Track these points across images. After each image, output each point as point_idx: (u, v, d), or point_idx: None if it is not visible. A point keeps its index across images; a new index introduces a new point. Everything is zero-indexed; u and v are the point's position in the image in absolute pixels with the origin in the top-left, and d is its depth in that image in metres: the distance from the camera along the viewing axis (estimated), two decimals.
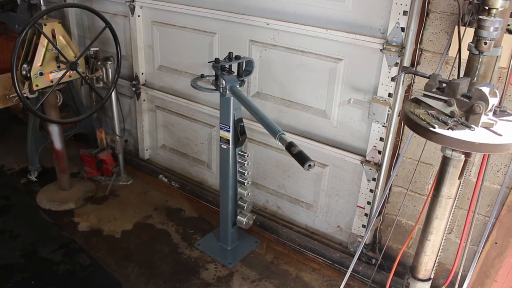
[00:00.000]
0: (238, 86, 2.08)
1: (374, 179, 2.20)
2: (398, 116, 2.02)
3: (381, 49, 1.96)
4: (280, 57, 2.33)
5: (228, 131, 2.19)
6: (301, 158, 1.58)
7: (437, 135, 1.22)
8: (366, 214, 2.31)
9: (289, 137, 1.68)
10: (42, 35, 2.44)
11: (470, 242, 1.95)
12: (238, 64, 2.17)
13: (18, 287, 2.24)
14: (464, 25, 1.58)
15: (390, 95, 2.01)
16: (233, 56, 2.14)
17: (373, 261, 2.35)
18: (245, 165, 2.30)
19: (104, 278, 2.31)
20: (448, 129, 1.23)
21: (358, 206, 2.32)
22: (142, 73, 3.04)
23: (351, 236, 2.42)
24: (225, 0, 2.42)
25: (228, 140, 2.21)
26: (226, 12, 2.41)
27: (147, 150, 3.28)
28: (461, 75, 1.52)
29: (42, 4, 2.61)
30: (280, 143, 1.69)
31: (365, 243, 2.30)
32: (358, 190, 2.30)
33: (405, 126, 2.02)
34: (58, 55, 2.53)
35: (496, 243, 1.93)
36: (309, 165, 1.54)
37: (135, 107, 3.18)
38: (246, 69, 2.21)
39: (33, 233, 2.60)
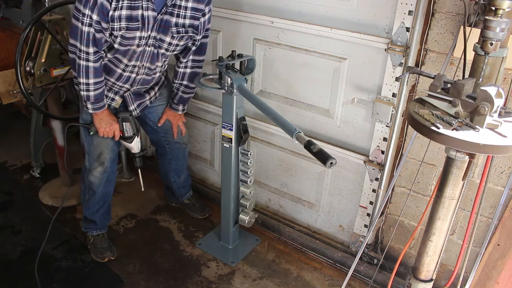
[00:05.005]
0: (245, 85, 2.07)
1: (377, 179, 2.20)
2: (402, 116, 2.02)
3: (385, 49, 1.95)
4: (283, 56, 2.33)
5: (231, 129, 2.19)
6: (323, 156, 1.55)
7: (442, 136, 1.21)
8: (368, 214, 2.31)
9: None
10: (46, 31, 2.44)
11: (473, 244, 1.95)
12: (241, 62, 2.17)
13: (20, 283, 2.25)
14: (470, 26, 1.57)
15: (394, 95, 2.01)
16: (236, 54, 2.14)
17: (375, 261, 2.34)
18: (248, 163, 2.30)
19: (105, 274, 2.32)
20: (452, 130, 1.22)
21: (360, 206, 2.32)
22: None
23: (353, 236, 2.42)
24: None
25: (231, 139, 2.21)
26: (231, 10, 2.40)
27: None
28: (466, 75, 1.51)
29: (46, 0, 2.61)
30: (297, 142, 1.67)
31: (367, 243, 2.30)
32: (360, 190, 2.30)
33: (409, 126, 2.02)
34: (62, 51, 2.54)
35: (498, 245, 1.93)
36: (331, 163, 1.51)
37: None
38: (248, 67, 2.20)
39: (35, 229, 2.61)
